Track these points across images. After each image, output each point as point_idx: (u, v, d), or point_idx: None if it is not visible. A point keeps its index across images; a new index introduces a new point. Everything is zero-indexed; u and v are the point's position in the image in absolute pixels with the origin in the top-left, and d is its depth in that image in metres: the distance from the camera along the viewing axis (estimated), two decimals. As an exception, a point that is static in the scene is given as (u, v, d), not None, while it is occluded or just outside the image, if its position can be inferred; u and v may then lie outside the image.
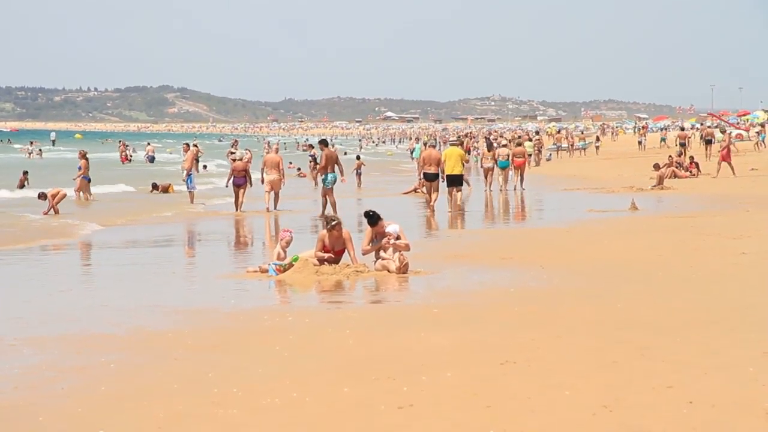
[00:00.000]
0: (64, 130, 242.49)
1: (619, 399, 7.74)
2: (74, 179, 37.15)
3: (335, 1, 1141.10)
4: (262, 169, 31.34)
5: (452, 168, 30.06)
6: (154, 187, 40.91)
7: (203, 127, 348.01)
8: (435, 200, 29.78)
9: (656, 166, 38.88)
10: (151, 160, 70.16)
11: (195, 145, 63.29)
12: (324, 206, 28.68)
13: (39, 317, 12.49)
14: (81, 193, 36.60)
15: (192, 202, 33.53)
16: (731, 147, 44.29)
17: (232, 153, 57.69)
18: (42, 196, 30.44)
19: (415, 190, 37.98)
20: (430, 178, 29.99)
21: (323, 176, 28.88)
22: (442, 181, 30.11)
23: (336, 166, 29.19)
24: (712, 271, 15.05)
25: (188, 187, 34.04)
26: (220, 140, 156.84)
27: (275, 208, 30.45)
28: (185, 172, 34.47)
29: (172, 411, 7.81)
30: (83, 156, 37.32)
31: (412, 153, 73.83)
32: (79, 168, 36.86)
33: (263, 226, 26.87)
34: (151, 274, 17.31)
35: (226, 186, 32.16)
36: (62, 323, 12.00)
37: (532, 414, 7.45)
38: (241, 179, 30.88)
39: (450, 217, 28.35)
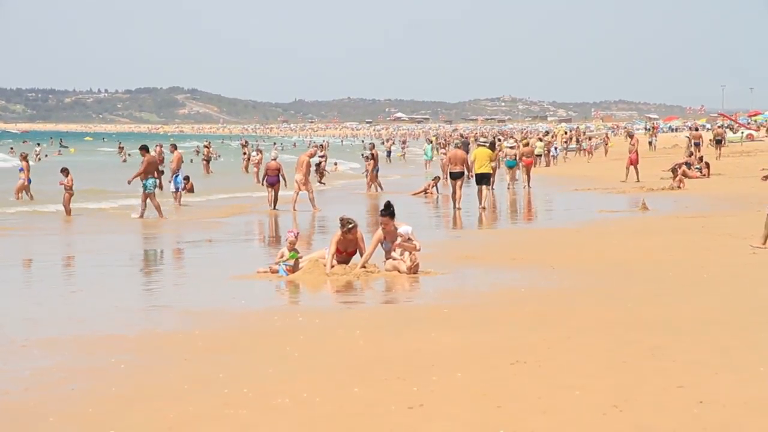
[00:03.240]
0: (74, 132, 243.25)
1: (630, 399, 7.73)
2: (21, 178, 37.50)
3: (345, 2, 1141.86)
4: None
5: (480, 167, 31.37)
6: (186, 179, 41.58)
7: (214, 128, 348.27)
8: (460, 199, 30.83)
9: (674, 170, 38.94)
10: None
11: (207, 147, 63.61)
12: (143, 210, 28.91)
13: (50, 318, 12.53)
14: (24, 193, 36.58)
15: (176, 201, 33.76)
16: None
17: (248, 154, 58.10)
18: (65, 171, 30.71)
19: (425, 191, 38.07)
20: (456, 177, 31.19)
21: (144, 181, 29.00)
22: (469, 179, 31.61)
23: (156, 171, 29.69)
24: (723, 272, 15.03)
25: (174, 188, 34.31)
26: (222, 142, 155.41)
27: (314, 207, 31.38)
28: (171, 172, 34.73)
29: (182, 412, 7.82)
30: (25, 159, 37.72)
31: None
32: (21, 170, 37.08)
33: (287, 226, 26.92)
34: (161, 274, 17.35)
35: (262, 184, 33.12)
36: (73, 324, 12.02)
37: (543, 414, 7.45)
38: (274, 178, 32.07)
39: (479, 213, 29.32)
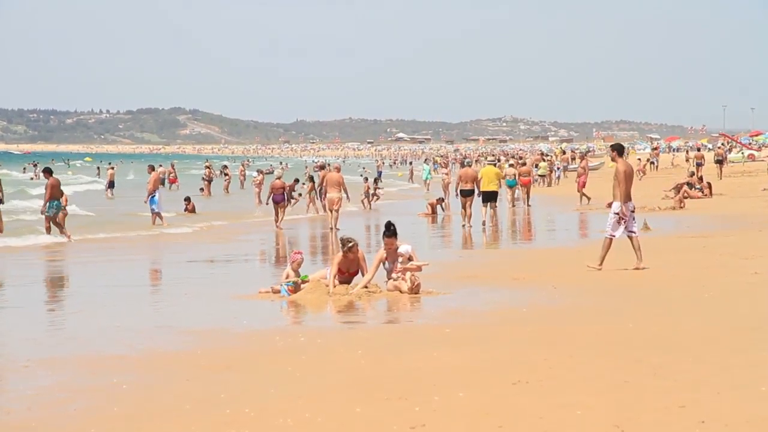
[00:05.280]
0: (77, 153, 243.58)
1: (632, 418, 7.73)
2: None
3: (347, 23, 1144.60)
4: (323, 188, 32.90)
5: (487, 185, 32.45)
6: (188, 200, 41.62)
7: (215, 148, 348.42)
8: (470, 216, 31.49)
9: (677, 189, 38.88)
10: (162, 182, 69.49)
11: (207, 167, 63.61)
12: (48, 230, 28.67)
13: (52, 338, 12.53)
14: None
15: (153, 223, 33.52)
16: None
17: (230, 176, 58.73)
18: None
19: (433, 209, 37.94)
20: (466, 194, 31.85)
21: (48, 203, 28.59)
22: (477, 197, 32.22)
23: (62, 194, 29.14)
24: (724, 291, 15.02)
25: (151, 209, 34.07)
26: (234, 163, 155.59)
27: (335, 227, 31.32)
28: (148, 193, 34.35)
29: None
30: None
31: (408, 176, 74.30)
32: None
33: (293, 245, 26.93)
34: (164, 294, 17.35)
35: (267, 203, 33.53)
36: (75, 344, 12.03)
37: (545, 433, 7.44)
38: (279, 196, 32.51)
39: (485, 230, 30.12)
